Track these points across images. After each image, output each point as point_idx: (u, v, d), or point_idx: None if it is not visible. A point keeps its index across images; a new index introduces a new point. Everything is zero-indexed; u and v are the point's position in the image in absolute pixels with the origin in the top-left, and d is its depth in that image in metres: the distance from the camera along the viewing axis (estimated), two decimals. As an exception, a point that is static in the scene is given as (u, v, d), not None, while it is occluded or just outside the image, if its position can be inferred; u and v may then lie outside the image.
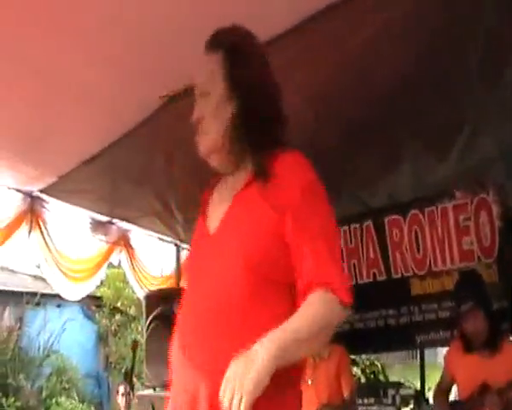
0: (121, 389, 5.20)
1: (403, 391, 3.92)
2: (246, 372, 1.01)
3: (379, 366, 6.98)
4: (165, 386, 4.13)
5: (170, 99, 2.77)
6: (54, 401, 7.98)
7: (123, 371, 8.91)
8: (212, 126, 1.30)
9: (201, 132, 1.32)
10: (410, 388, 4.24)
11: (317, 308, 1.13)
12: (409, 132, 3.28)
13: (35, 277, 9.78)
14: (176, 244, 5.33)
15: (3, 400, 7.49)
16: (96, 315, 10.03)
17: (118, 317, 9.85)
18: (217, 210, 1.33)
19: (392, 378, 6.75)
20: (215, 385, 1.08)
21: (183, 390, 1.23)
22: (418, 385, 4.09)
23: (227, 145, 1.30)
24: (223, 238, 1.26)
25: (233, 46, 1.31)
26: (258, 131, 1.28)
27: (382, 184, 3.95)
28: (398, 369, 8.44)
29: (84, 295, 4.54)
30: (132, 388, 5.08)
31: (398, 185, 3.89)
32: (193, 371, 1.20)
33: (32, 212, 3.96)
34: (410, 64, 2.68)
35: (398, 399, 3.83)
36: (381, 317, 4.15)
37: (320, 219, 1.21)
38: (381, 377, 6.76)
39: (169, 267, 5.38)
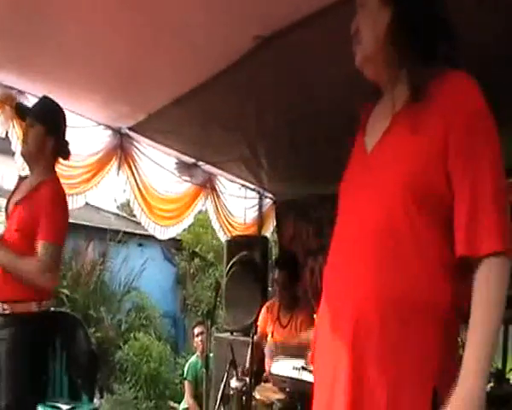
0: (196, 330, 5.32)
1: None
2: None
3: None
4: (242, 331, 4.21)
5: (264, 40, 2.57)
6: (132, 335, 8.21)
7: (199, 313, 9.13)
8: (366, 36, 1.25)
9: (357, 43, 1.28)
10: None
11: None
12: None
13: (118, 215, 10.29)
14: (259, 192, 5.24)
15: (84, 330, 7.66)
16: (176, 258, 10.22)
17: (197, 261, 9.96)
18: (375, 128, 1.29)
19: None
20: (380, 311, 1.13)
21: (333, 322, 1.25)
22: (500, 364, 3.81)
23: (382, 56, 1.24)
24: (380, 159, 1.23)
25: None
26: (416, 43, 1.19)
27: None
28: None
29: (171, 235, 4.58)
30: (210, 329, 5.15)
31: None
32: (351, 294, 1.20)
33: (121, 148, 3.97)
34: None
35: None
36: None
37: (487, 152, 1.10)
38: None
39: (251, 215, 5.33)
